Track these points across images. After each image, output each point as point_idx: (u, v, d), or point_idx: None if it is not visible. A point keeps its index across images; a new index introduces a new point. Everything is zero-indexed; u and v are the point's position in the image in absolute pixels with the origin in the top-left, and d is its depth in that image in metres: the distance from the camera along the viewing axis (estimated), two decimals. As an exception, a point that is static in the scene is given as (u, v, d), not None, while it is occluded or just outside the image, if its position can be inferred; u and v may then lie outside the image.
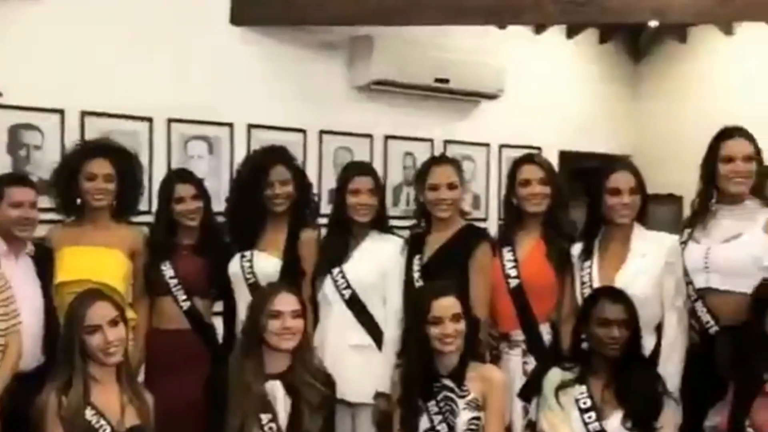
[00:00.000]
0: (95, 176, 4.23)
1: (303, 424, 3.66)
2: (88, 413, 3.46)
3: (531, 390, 4.00)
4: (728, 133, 3.86)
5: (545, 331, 4.05)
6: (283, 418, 3.65)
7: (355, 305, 4.17)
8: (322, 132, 6.17)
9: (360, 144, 6.35)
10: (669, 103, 7.81)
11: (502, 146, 7.06)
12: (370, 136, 6.41)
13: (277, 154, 4.43)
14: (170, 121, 5.59)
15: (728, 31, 7.31)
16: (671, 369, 3.82)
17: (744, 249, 3.72)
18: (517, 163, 4.24)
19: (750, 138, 3.83)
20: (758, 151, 3.82)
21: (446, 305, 3.69)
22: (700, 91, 7.63)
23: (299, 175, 4.44)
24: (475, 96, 6.80)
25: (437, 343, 3.67)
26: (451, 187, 4.13)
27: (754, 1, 4.99)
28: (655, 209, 5.31)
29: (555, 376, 3.83)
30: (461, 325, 3.68)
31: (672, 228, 4.15)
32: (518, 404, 4.02)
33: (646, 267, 3.91)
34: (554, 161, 6.58)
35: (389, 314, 4.15)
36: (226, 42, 5.80)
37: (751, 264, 3.68)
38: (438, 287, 3.82)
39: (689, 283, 3.85)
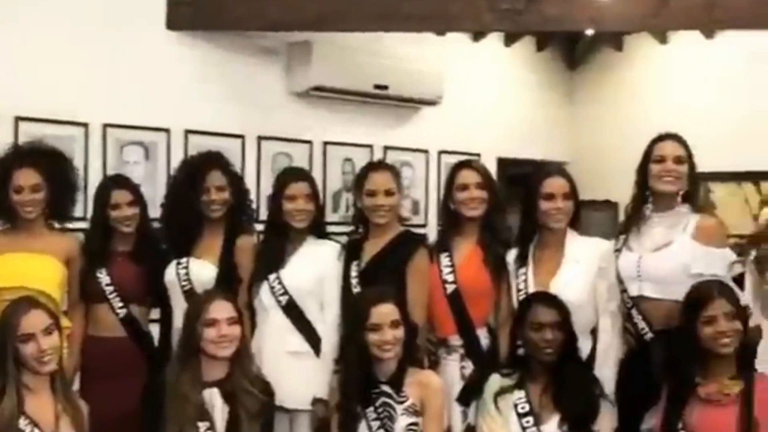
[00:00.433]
0: (22, 188, 4.15)
1: (241, 431, 3.64)
2: (22, 423, 3.40)
3: (469, 395, 4.01)
4: (661, 136, 3.92)
5: (483, 336, 4.07)
6: (220, 425, 3.63)
7: (292, 311, 4.16)
8: (260, 138, 6.14)
9: (299, 150, 6.33)
10: (605, 111, 7.91)
11: (441, 152, 7.09)
12: (309, 142, 6.39)
13: (214, 160, 4.39)
14: (106, 126, 5.51)
15: (662, 39, 7.43)
16: (606, 372, 3.86)
17: (674, 257, 3.76)
18: (456, 168, 4.26)
19: (683, 143, 3.88)
20: (690, 156, 3.87)
21: (385, 312, 3.69)
22: (636, 98, 7.74)
23: (236, 181, 4.42)
24: (415, 102, 6.82)
25: (376, 350, 3.66)
26: (389, 193, 4.13)
27: (687, 10, 5.08)
28: (591, 215, 5.39)
29: (494, 382, 3.85)
30: (400, 332, 3.68)
31: (609, 234, 4.19)
32: (457, 409, 4.04)
33: (580, 272, 3.95)
34: (492, 167, 6.62)
35: (327, 320, 4.15)
36: (163, 47, 5.74)
37: (681, 272, 3.72)
38: (376, 294, 3.82)
39: (624, 290, 3.88)
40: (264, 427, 3.73)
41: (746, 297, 3.71)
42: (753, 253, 3.82)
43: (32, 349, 3.43)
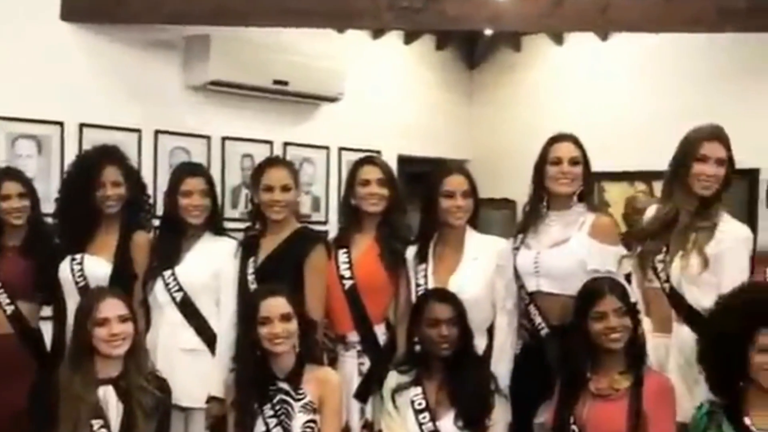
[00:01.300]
0: None
1: (136, 428, 3.60)
2: None
3: (367, 391, 4.03)
4: (557, 137, 3.98)
5: (380, 332, 4.08)
6: (115, 423, 3.59)
7: (187, 308, 4.12)
8: (157, 132, 6.05)
9: (197, 145, 6.26)
10: (504, 110, 8.00)
11: (341, 149, 7.08)
12: (207, 137, 6.32)
13: (109, 154, 4.32)
14: (-3, 118, 5.38)
15: (559, 41, 7.56)
16: (502, 368, 3.91)
17: (570, 254, 3.82)
18: (358, 164, 4.26)
19: (578, 143, 3.94)
20: (585, 156, 3.94)
21: (274, 305, 3.69)
22: (534, 98, 7.84)
23: (132, 176, 4.35)
24: (315, 99, 6.80)
25: (267, 344, 3.66)
26: (285, 189, 4.10)
27: (581, 12, 5.18)
28: (489, 213, 5.45)
29: (391, 379, 3.87)
30: (291, 326, 3.68)
31: (507, 232, 4.25)
32: (355, 405, 4.05)
33: (478, 269, 3.99)
34: (392, 165, 6.66)
35: (222, 317, 4.11)
36: (57, 39, 5.62)
37: (577, 268, 3.78)
38: (267, 288, 3.82)
39: (522, 286, 3.94)
40: (159, 425, 3.68)
41: (634, 293, 3.79)
42: (638, 250, 3.90)
43: None
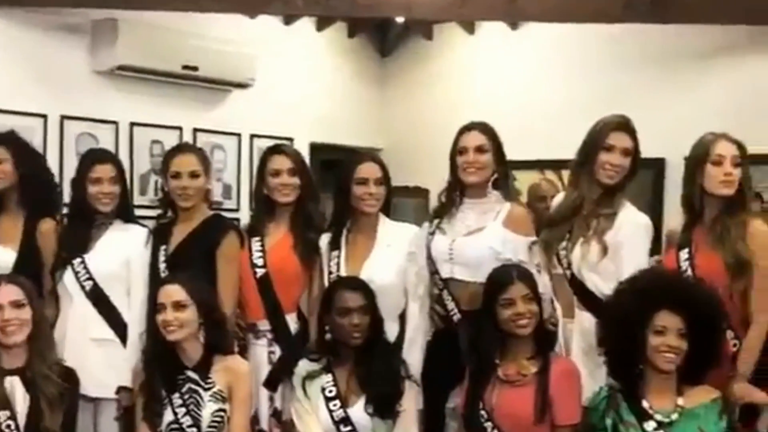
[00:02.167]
0: None
1: (42, 419, 3.56)
2: None
3: (277, 379, 4.03)
4: (466, 126, 4.01)
5: (291, 321, 4.08)
6: (22, 414, 3.54)
7: (97, 297, 4.07)
8: (63, 117, 5.92)
9: (104, 130, 6.13)
10: (416, 99, 8.02)
11: (253, 136, 7.02)
12: (115, 123, 6.21)
13: None
14: None
15: (470, 29, 7.60)
16: (414, 355, 3.94)
17: (484, 242, 3.87)
18: (267, 154, 4.24)
19: (485, 131, 3.97)
20: (496, 144, 3.97)
21: (168, 292, 3.68)
22: (446, 87, 7.87)
23: (24, 156, 4.24)
24: (226, 85, 6.72)
25: (162, 331, 3.65)
26: (194, 175, 4.07)
27: (492, 2, 5.24)
28: (402, 201, 5.47)
29: (302, 367, 3.88)
30: (184, 314, 3.65)
31: (419, 219, 4.27)
32: (264, 394, 4.04)
33: (390, 257, 4.02)
34: (305, 153, 6.63)
35: (133, 307, 4.07)
36: (-42, 22, 5.47)
37: (491, 256, 3.83)
38: (169, 276, 3.82)
39: (435, 272, 3.97)
40: (67, 416, 3.64)
41: (544, 281, 3.85)
42: (543, 236, 3.97)
43: None
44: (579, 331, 3.84)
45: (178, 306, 3.65)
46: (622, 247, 3.77)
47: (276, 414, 4.01)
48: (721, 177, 3.74)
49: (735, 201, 3.76)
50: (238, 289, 4.07)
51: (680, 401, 3.34)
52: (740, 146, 3.78)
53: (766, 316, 3.66)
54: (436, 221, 4.02)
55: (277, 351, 4.05)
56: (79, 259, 4.08)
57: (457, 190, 4.01)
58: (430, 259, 3.97)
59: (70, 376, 3.71)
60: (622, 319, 3.38)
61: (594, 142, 3.88)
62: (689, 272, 3.75)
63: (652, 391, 3.36)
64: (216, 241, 4.03)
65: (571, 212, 3.91)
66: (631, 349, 3.35)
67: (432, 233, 3.99)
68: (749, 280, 3.67)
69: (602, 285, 3.73)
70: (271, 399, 4.03)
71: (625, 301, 3.42)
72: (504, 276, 3.67)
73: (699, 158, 3.79)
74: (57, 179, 4.60)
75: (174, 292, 3.67)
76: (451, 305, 3.92)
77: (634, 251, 3.78)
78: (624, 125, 3.90)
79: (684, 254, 3.80)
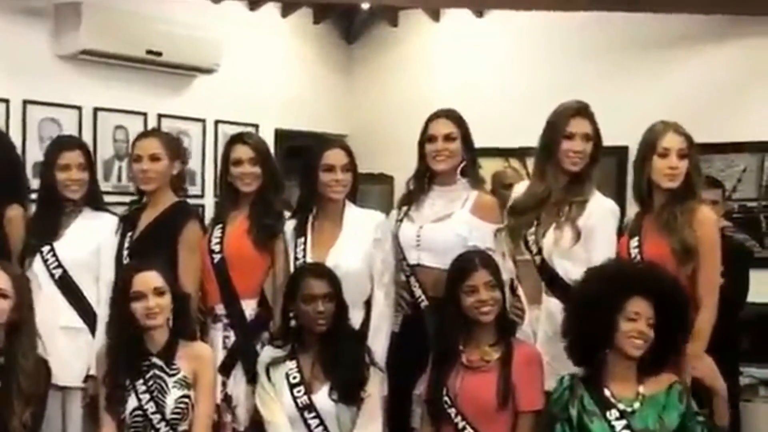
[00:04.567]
0: None
1: (12, 406, 3.55)
2: None
3: (230, 365, 4.01)
4: (433, 114, 4.03)
5: (248, 307, 4.05)
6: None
7: (66, 285, 4.06)
8: (25, 102, 5.85)
9: (67, 115, 6.07)
10: (381, 86, 8.02)
11: (218, 122, 6.98)
12: (78, 107, 6.15)
13: None
14: None
15: (435, 16, 7.61)
16: (379, 342, 3.95)
17: (452, 229, 3.89)
18: (230, 143, 4.22)
19: (453, 118, 3.99)
20: (464, 132, 3.98)
21: (146, 279, 3.65)
22: (411, 74, 7.87)
23: None
24: (190, 70, 6.68)
25: (143, 319, 3.62)
26: (154, 158, 4.05)
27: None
28: (367, 188, 5.47)
29: (266, 353, 3.88)
30: (164, 300, 3.65)
31: (383, 206, 4.27)
32: (218, 378, 4.00)
33: (356, 243, 4.01)
34: (270, 139, 6.62)
35: (101, 295, 4.05)
36: None
37: (458, 243, 3.85)
38: (138, 263, 3.79)
39: (403, 259, 3.98)
40: (36, 402, 3.63)
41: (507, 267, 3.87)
42: (509, 223, 3.99)
43: None
44: (546, 317, 3.87)
45: (158, 292, 3.64)
46: (594, 233, 3.80)
47: (227, 399, 3.99)
48: (666, 170, 3.76)
49: (681, 191, 3.79)
50: (199, 276, 4.05)
51: (641, 389, 3.37)
52: (687, 137, 3.80)
53: (713, 299, 3.71)
54: (404, 208, 4.03)
55: (232, 336, 4.03)
56: (48, 247, 4.06)
57: (426, 177, 4.02)
58: (398, 246, 3.98)
59: (41, 365, 3.69)
60: (592, 304, 3.40)
61: (554, 131, 3.89)
62: (638, 259, 3.78)
63: (615, 380, 3.39)
64: (178, 228, 4.02)
65: (538, 202, 3.92)
66: (598, 333, 3.37)
67: (400, 220, 4.02)
68: (696, 265, 3.71)
69: (572, 270, 3.75)
70: (224, 384, 4.00)
71: (597, 287, 3.44)
72: (467, 263, 3.69)
73: (646, 150, 3.82)
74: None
75: (152, 278, 3.66)
76: (418, 292, 3.95)
77: (604, 236, 3.81)
78: (582, 110, 3.91)
79: (634, 242, 3.83)
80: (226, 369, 3.99)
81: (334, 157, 4.04)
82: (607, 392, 3.38)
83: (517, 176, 5.74)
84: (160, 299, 3.64)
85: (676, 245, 3.70)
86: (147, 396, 3.62)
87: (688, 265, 3.70)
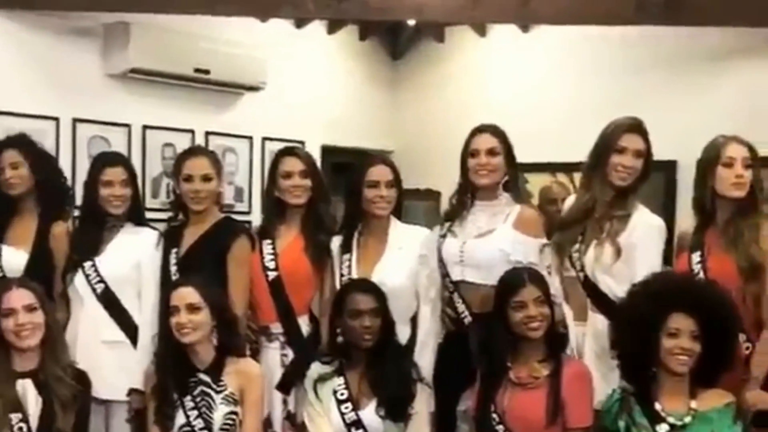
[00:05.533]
0: None
1: (55, 421, 3.57)
2: None
3: (290, 382, 4.03)
4: (477, 129, 4.02)
5: (304, 324, 4.08)
6: (34, 416, 3.55)
7: (108, 300, 4.08)
8: (76, 120, 5.94)
9: (116, 133, 6.14)
10: (427, 101, 8.01)
11: (265, 139, 7.03)
12: (127, 125, 6.22)
13: (10, 140, 4.29)
14: None
15: (481, 32, 7.60)
16: (426, 358, 3.94)
17: (494, 244, 3.87)
18: (279, 155, 4.25)
19: (497, 134, 3.98)
20: (507, 147, 3.97)
21: (181, 295, 3.69)
22: (457, 89, 7.86)
23: (38, 160, 4.27)
24: (238, 88, 6.73)
25: (176, 333, 3.66)
26: (206, 178, 4.07)
27: (502, 4, 5.23)
28: (413, 204, 5.47)
29: (314, 369, 3.88)
30: (198, 317, 3.66)
31: (430, 222, 4.26)
32: (277, 397, 4.04)
33: (401, 259, 4.01)
34: (316, 155, 6.64)
35: (144, 309, 4.08)
36: (-27, 25, 5.49)
37: (501, 258, 3.83)
38: (181, 279, 3.83)
39: (446, 275, 3.97)
40: (78, 417, 3.65)
41: (554, 283, 3.84)
42: (556, 239, 3.96)
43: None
44: (592, 334, 3.83)
45: (192, 308, 3.65)
46: (636, 249, 3.76)
47: (290, 417, 4.01)
48: (732, 179, 3.73)
49: (747, 203, 3.76)
50: (249, 292, 4.07)
51: (693, 404, 3.34)
52: (751, 148, 3.78)
53: None
54: (447, 224, 4.02)
55: (290, 354, 4.05)
56: (90, 262, 4.09)
57: (468, 193, 4.02)
58: (441, 262, 3.97)
59: (82, 379, 3.72)
60: (636, 321, 3.37)
61: (606, 144, 3.87)
62: (701, 275, 3.74)
63: (664, 394, 3.36)
64: (227, 244, 4.03)
65: (583, 215, 3.90)
66: (644, 351, 3.34)
67: (443, 236, 4.00)
68: (762, 283, 3.66)
69: (615, 287, 3.72)
70: (285, 402, 4.03)
71: (639, 304, 3.41)
72: (515, 279, 3.67)
73: (710, 160, 3.79)
74: (69, 182, 4.60)
75: (187, 294, 3.67)
76: (461, 308, 3.93)
77: (648, 253, 3.77)
78: (636, 127, 3.89)
79: (696, 257, 3.79)
80: (285, 387, 4.01)
81: (378, 173, 4.05)
82: (657, 406, 3.35)
83: (564, 191, 5.70)
84: (193, 315, 3.65)
85: (743, 262, 3.66)
86: (195, 412, 3.64)
87: (755, 283, 3.65)
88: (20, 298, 3.60)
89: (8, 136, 4.36)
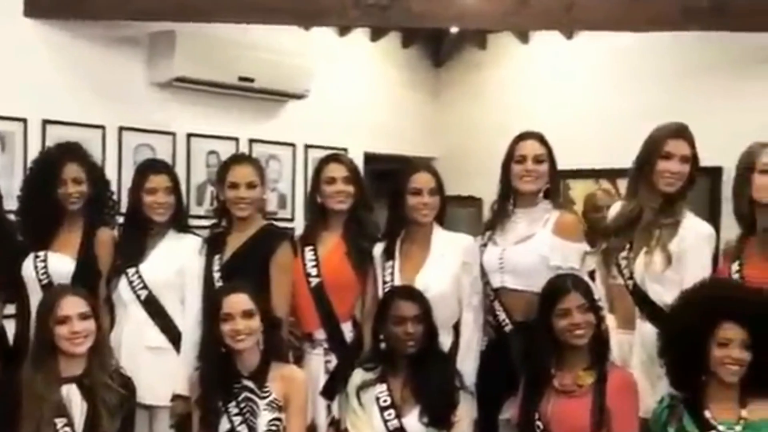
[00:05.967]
0: None
1: (100, 427, 3.60)
2: None
3: (333, 388, 4.04)
4: (522, 135, 4.01)
5: (347, 330, 4.09)
6: (79, 421, 3.59)
7: (152, 306, 4.12)
8: (121, 128, 6.00)
9: (162, 141, 6.20)
10: (469, 108, 8.01)
11: (308, 146, 7.06)
12: (172, 133, 6.28)
13: (71, 151, 4.30)
14: (-42, 115, 5.32)
15: (524, 39, 7.58)
16: (468, 365, 3.93)
17: (534, 250, 3.86)
18: (323, 161, 4.27)
19: (543, 141, 3.98)
20: (551, 154, 3.97)
21: (236, 301, 3.69)
22: (500, 96, 7.85)
23: (94, 173, 4.33)
24: (281, 95, 6.77)
25: (229, 340, 3.67)
26: (251, 186, 4.10)
27: (546, 10, 5.21)
28: (456, 211, 5.46)
29: (357, 376, 3.89)
30: (253, 323, 3.68)
31: (472, 229, 4.26)
32: (322, 403, 4.05)
33: (444, 267, 4.00)
34: (359, 163, 6.65)
35: (187, 315, 4.11)
36: (20, 35, 5.54)
37: (541, 264, 3.82)
38: (230, 285, 3.84)
39: (487, 282, 3.96)
40: (123, 423, 3.68)
41: (598, 290, 3.82)
42: (602, 247, 3.93)
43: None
44: (640, 342, 3.79)
45: (247, 315, 3.68)
46: (686, 257, 3.72)
47: (334, 423, 4.02)
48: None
49: None
50: (292, 299, 4.08)
51: (744, 413, 3.29)
52: None
53: None
54: (488, 233, 4.01)
55: (333, 360, 4.05)
56: (133, 269, 4.13)
57: (509, 199, 4.00)
58: (482, 270, 3.97)
59: (127, 385, 3.75)
60: (685, 330, 3.33)
61: (652, 150, 3.84)
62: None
63: (714, 402, 3.32)
64: (270, 250, 4.05)
65: (630, 222, 3.87)
66: (693, 359, 3.30)
67: (484, 245, 3.99)
68: None
69: (665, 295, 3.68)
70: (329, 408, 4.04)
71: (688, 312, 3.38)
72: (560, 286, 3.65)
73: (745, 168, 3.75)
74: (115, 189, 4.64)
75: (242, 301, 3.69)
76: (502, 315, 3.93)
77: (698, 261, 3.73)
78: (682, 132, 3.86)
79: (735, 266, 3.76)
80: (329, 393, 4.02)
81: (421, 180, 4.05)
82: (707, 414, 3.30)
83: (609, 198, 5.66)
84: (249, 322, 3.68)
85: None
86: (239, 418, 3.65)
87: None
88: (75, 305, 3.64)
89: (68, 145, 4.39)
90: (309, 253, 4.13)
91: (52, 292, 3.85)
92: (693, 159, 3.84)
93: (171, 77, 6.07)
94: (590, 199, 6.05)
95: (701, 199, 5.76)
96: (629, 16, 5.26)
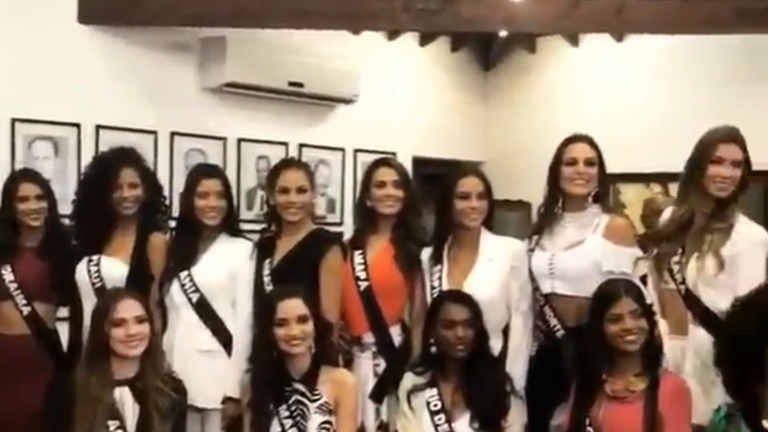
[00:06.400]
0: None
1: (152, 429, 3.62)
2: None
3: (382, 392, 4.04)
4: (572, 138, 3.98)
5: (396, 333, 4.09)
6: (131, 424, 3.61)
7: (203, 309, 4.14)
8: (173, 134, 6.06)
9: (213, 146, 6.27)
10: (519, 112, 7.99)
11: (357, 151, 7.09)
12: (223, 138, 6.34)
13: (126, 156, 4.34)
14: (14, 120, 5.39)
15: (574, 42, 7.55)
16: (517, 370, 3.91)
17: (585, 255, 3.82)
18: (374, 165, 4.27)
19: (593, 144, 3.94)
20: (600, 157, 3.94)
21: (291, 306, 3.70)
22: (549, 99, 7.83)
23: (148, 177, 4.37)
24: (330, 100, 6.81)
25: (284, 345, 3.67)
26: (301, 190, 4.11)
27: (596, 13, 5.18)
28: (505, 215, 5.45)
29: (407, 380, 3.88)
30: (308, 327, 3.69)
31: (522, 233, 4.24)
32: (370, 406, 4.05)
33: (493, 271, 3.98)
34: (408, 167, 6.66)
35: (238, 319, 4.13)
36: (74, 41, 5.64)
37: (592, 269, 3.78)
38: (284, 289, 3.84)
39: (536, 288, 3.94)
40: (176, 426, 3.71)
41: (650, 295, 3.79)
42: (654, 252, 3.90)
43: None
44: (693, 348, 3.74)
45: (302, 319, 3.69)
46: (739, 261, 3.67)
47: (382, 426, 4.02)
48: None
49: None
50: (341, 302, 4.09)
51: None
52: None
53: None
54: (535, 237, 3.99)
55: (382, 363, 4.05)
56: (185, 272, 4.16)
57: (557, 203, 3.98)
58: (531, 275, 3.95)
59: (179, 388, 3.77)
60: (741, 338, 3.27)
61: (703, 155, 3.80)
62: None
63: (773, 413, 3.26)
64: (320, 254, 4.06)
65: (682, 227, 3.83)
66: (748, 368, 3.25)
67: (531, 250, 3.97)
68: None
69: (718, 300, 3.62)
70: (378, 411, 4.04)
71: (743, 320, 3.31)
72: (612, 291, 3.62)
73: None
74: (167, 193, 4.69)
75: (297, 306, 3.70)
76: (553, 321, 3.89)
77: (752, 266, 3.67)
78: (733, 136, 3.81)
79: None
80: (378, 396, 4.03)
81: (469, 184, 4.03)
82: (765, 424, 3.24)
83: (669, 202, 5.61)
84: (304, 326, 3.68)
85: None
86: (290, 421, 3.66)
87: None
88: (131, 308, 3.66)
89: (123, 150, 4.44)
90: (358, 257, 4.13)
91: (108, 294, 3.88)
92: (745, 163, 3.79)
93: (222, 82, 6.13)
94: (649, 204, 5.98)
95: (755, 204, 5.71)
96: (680, 18, 5.21)
